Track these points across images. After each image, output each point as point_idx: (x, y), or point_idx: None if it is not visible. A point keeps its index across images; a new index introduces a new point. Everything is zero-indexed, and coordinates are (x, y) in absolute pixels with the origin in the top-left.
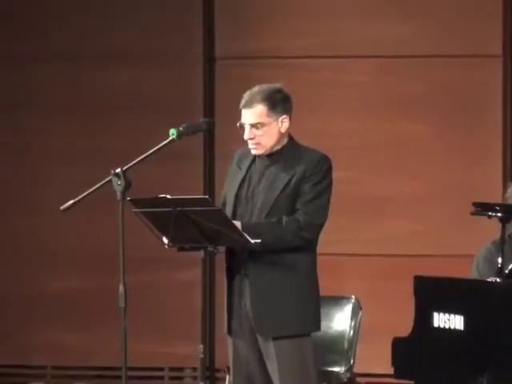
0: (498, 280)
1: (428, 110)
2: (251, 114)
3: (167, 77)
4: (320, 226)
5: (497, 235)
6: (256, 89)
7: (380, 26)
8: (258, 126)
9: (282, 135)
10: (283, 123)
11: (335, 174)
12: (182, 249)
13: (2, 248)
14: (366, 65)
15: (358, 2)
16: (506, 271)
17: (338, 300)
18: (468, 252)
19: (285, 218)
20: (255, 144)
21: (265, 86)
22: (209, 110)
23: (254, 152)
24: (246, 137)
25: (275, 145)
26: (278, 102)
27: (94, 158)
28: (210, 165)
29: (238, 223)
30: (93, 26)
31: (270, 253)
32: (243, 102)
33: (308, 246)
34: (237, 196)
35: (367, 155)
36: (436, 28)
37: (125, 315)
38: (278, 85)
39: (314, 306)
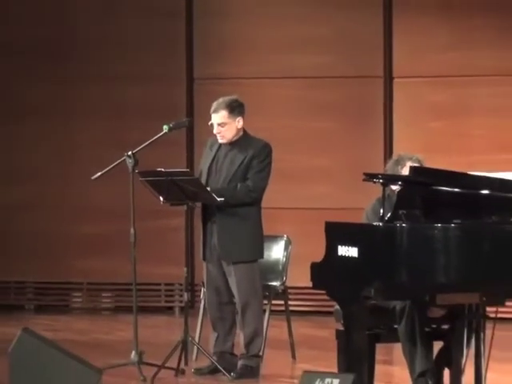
0: (380, 224)
1: (335, 113)
2: (217, 117)
3: (161, 91)
4: (262, 189)
5: (379, 195)
6: (220, 99)
7: (305, 56)
8: (222, 125)
9: (238, 130)
10: (239, 122)
11: (274, 155)
12: (172, 204)
13: (51, 205)
14: (296, 83)
15: (291, 41)
16: (386, 218)
17: (275, 238)
18: (361, 206)
19: (239, 185)
20: (221, 136)
21: (226, 98)
22: (190, 113)
23: (220, 141)
24: (214, 132)
25: (234, 136)
26: (235, 108)
27: (113, 145)
28: (190, 149)
29: (208, 188)
30: (111, 54)
31: (230, 207)
32: (212, 108)
33: (255, 202)
34: (209, 170)
35: (296, 142)
36: (340, 57)
37: (134, 248)
38: (234, 96)
39: (260, 241)
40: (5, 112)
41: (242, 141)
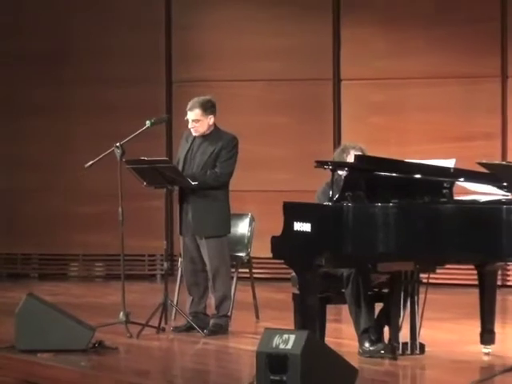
0: (330, 204)
1: (292, 110)
2: (192, 114)
3: (144, 92)
4: (229, 175)
5: (329, 179)
6: (196, 99)
7: (266, 62)
8: (196, 121)
9: (210, 126)
10: (211, 119)
11: (241, 146)
12: (154, 187)
13: (52, 189)
14: (259, 85)
15: (255, 49)
16: (334, 199)
17: (241, 216)
18: (313, 189)
19: (209, 171)
20: (195, 130)
21: (201, 98)
22: (169, 110)
23: (194, 134)
24: (189, 126)
25: (206, 131)
26: (208, 107)
27: (103, 138)
28: (169, 141)
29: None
30: (101, 61)
31: (202, 190)
32: (188, 106)
33: (223, 186)
34: (185, 158)
35: (259, 135)
36: (296, 63)
37: (122, 224)
38: (208, 96)
39: (227, 219)
40: (12, 111)
41: (213, 134)
